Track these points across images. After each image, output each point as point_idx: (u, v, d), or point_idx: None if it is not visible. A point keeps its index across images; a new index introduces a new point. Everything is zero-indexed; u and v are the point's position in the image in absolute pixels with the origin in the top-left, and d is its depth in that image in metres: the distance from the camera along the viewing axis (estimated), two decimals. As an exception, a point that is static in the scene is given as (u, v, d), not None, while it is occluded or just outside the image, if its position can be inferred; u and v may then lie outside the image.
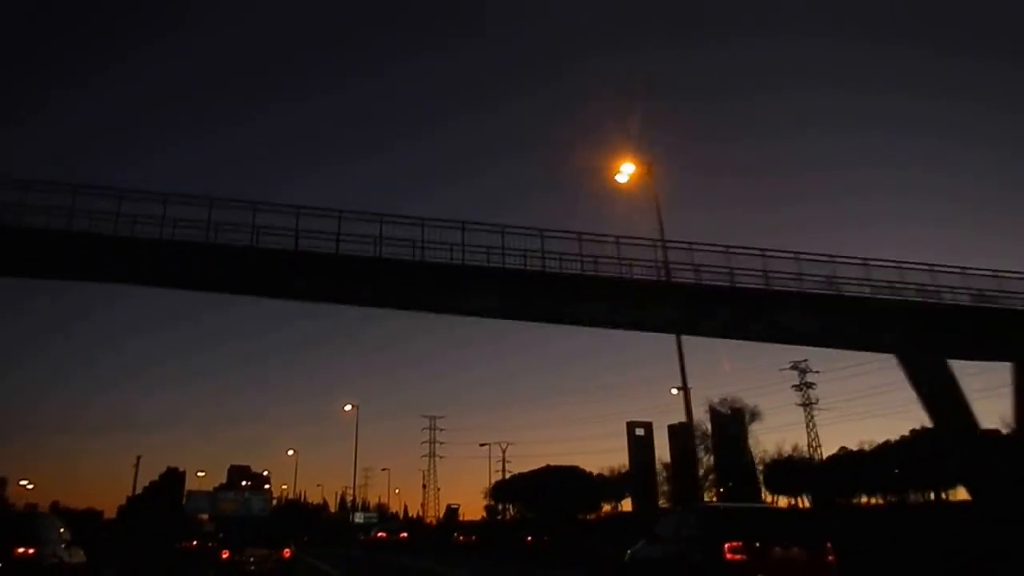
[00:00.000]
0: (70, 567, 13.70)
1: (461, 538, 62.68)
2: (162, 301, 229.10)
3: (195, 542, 48.83)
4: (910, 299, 29.68)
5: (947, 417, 28.34)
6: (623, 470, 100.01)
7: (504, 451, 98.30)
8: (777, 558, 11.35)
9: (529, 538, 49.25)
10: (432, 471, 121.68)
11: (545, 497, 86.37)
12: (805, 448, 78.63)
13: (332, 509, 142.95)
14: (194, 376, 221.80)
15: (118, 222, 26.72)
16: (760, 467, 76.27)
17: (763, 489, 72.42)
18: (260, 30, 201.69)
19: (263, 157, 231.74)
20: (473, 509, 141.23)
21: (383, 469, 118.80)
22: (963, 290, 30.28)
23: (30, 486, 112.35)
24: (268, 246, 26.84)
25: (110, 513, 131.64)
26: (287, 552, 20.62)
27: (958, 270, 30.86)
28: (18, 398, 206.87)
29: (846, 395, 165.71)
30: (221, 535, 29.96)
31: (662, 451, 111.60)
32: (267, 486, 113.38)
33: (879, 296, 29.59)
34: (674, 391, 56.36)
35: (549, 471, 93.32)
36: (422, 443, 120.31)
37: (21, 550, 11.52)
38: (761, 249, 29.73)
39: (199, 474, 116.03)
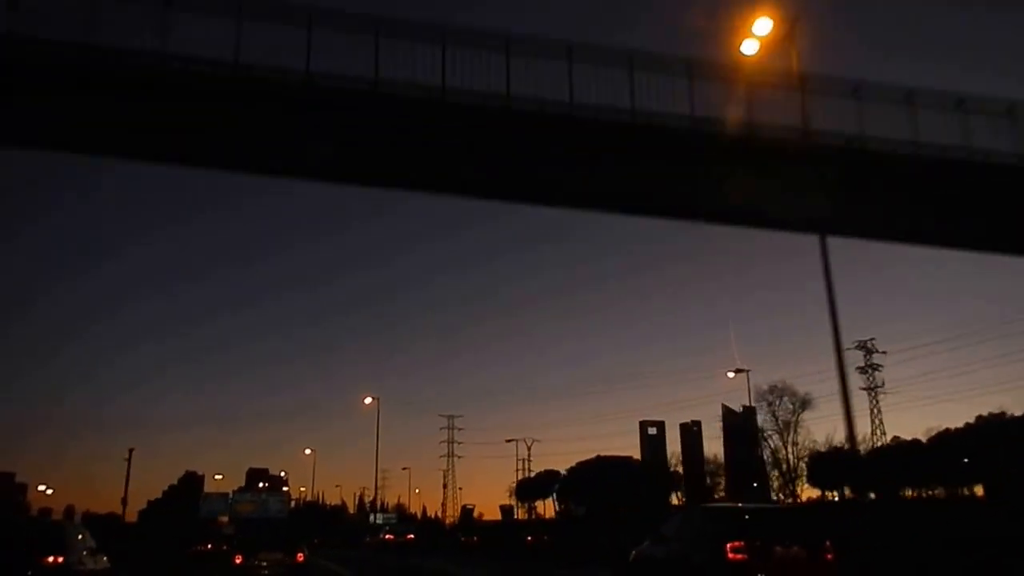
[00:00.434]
0: (95, 573, 14.35)
1: (463, 539, 64.59)
2: (180, 302, 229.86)
3: (209, 545, 49.65)
4: None
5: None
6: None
7: (529, 448, 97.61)
8: (778, 557, 11.74)
9: (529, 538, 50.48)
10: (451, 471, 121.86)
11: (596, 490, 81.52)
12: (867, 437, 74.53)
13: (351, 510, 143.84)
14: (211, 379, 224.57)
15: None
16: (804, 460, 71.83)
17: (803, 484, 68.62)
18: None
19: None
20: (496, 509, 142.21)
21: (404, 468, 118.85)
22: None
23: (49, 491, 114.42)
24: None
25: (131, 517, 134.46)
26: (300, 556, 20.85)
27: None
28: (34, 402, 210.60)
29: (913, 378, 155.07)
30: (235, 539, 30.14)
31: (675, 448, 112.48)
32: (285, 488, 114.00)
33: None
34: (731, 375, 54.83)
35: (601, 463, 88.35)
36: (440, 442, 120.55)
37: (51, 559, 12.19)
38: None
39: (216, 477, 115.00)
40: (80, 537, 14.47)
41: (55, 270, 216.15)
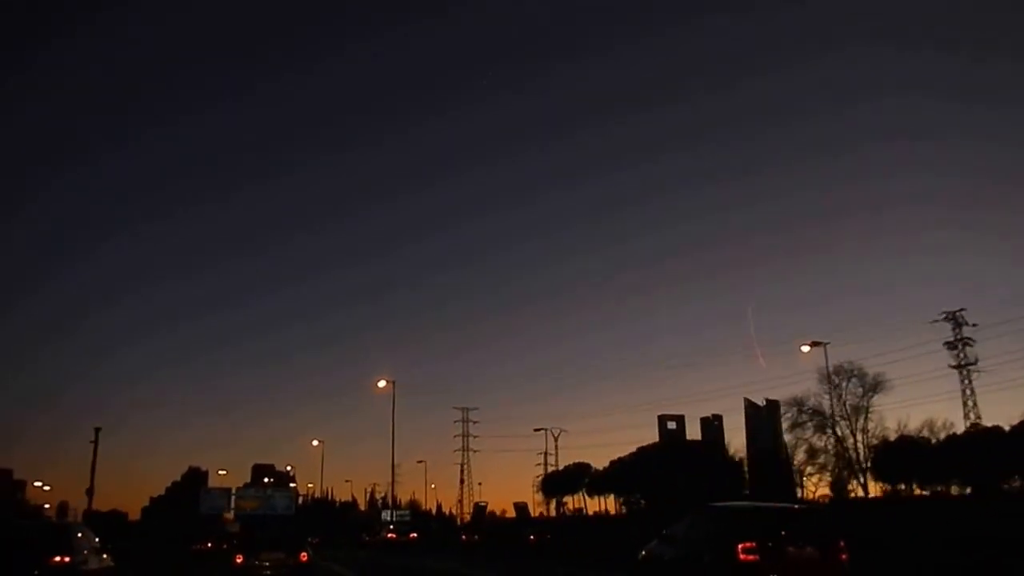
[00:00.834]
0: (99, 572, 14.67)
1: (464, 537, 65.38)
2: (182, 296, 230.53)
3: (208, 544, 49.85)
4: None
5: None
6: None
7: (556, 438, 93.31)
8: (790, 558, 11.70)
9: (532, 537, 50.95)
10: (466, 465, 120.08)
11: (658, 479, 72.48)
12: (947, 423, 64.39)
13: (362, 507, 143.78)
14: (216, 374, 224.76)
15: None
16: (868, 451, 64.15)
17: (864, 478, 61.09)
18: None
19: None
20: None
21: (419, 462, 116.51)
22: None
23: (46, 488, 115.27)
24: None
25: (134, 515, 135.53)
26: (304, 556, 20.56)
27: None
28: (33, 398, 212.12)
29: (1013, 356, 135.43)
30: (235, 539, 29.61)
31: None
32: (292, 484, 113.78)
33: None
34: (805, 348, 50.48)
35: (664, 449, 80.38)
36: (455, 436, 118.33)
37: (57, 559, 12.58)
38: None
39: (220, 472, 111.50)
40: (84, 537, 14.79)
41: (54, 263, 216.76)
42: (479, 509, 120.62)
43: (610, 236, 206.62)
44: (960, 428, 62.41)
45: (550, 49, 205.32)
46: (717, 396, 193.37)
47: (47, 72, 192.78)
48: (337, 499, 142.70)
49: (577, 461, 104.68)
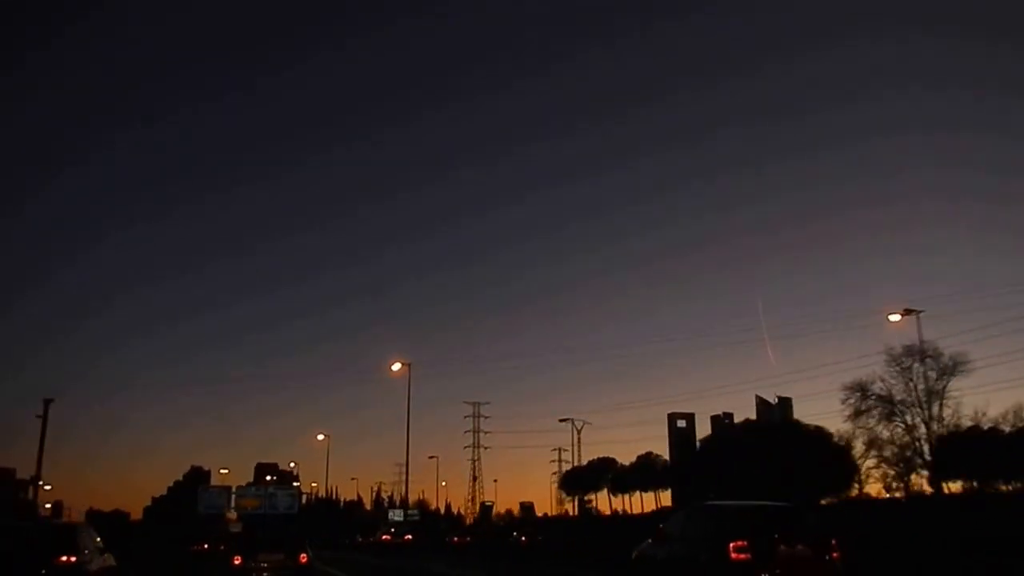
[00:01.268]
0: (101, 571, 15.24)
1: (456, 539, 66.22)
2: (183, 293, 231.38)
3: (205, 545, 50.15)
4: None
5: None
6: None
7: (579, 431, 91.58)
8: (782, 557, 12.05)
9: (523, 538, 51.56)
10: (477, 462, 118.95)
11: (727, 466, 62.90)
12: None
13: (367, 506, 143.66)
14: (220, 374, 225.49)
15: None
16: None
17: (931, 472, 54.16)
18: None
19: None
20: (539, 504, 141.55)
21: (431, 457, 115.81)
22: None
23: (47, 487, 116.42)
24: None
25: (137, 515, 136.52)
26: (304, 558, 20.49)
27: None
28: (32, 398, 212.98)
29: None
30: (234, 539, 29.43)
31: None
32: (296, 483, 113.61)
33: None
34: (894, 317, 45.72)
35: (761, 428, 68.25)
36: (464, 432, 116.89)
37: (63, 559, 13.17)
38: None
39: (222, 471, 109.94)
40: (88, 537, 15.38)
41: (54, 262, 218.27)
42: (485, 509, 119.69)
43: (615, 233, 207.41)
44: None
45: (550, 49, 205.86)
46: (725, 394, 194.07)
47: (47, 72, 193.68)
48: (342, 498, 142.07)
49: (601, 456, 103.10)
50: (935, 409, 52.15)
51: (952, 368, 50.74)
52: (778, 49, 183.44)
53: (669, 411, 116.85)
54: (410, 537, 62.60)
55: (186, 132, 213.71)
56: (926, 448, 51.65)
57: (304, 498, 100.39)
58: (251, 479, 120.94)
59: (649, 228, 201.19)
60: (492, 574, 29.50)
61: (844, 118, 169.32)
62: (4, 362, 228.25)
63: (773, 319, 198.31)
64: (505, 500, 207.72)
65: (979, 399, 62.40)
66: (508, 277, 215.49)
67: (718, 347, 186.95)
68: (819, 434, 62.95)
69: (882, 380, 53.14)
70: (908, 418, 53.15)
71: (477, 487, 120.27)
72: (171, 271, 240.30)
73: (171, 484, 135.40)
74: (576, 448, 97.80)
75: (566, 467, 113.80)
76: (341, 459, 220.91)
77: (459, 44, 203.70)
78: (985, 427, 53.50)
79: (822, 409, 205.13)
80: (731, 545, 12.02)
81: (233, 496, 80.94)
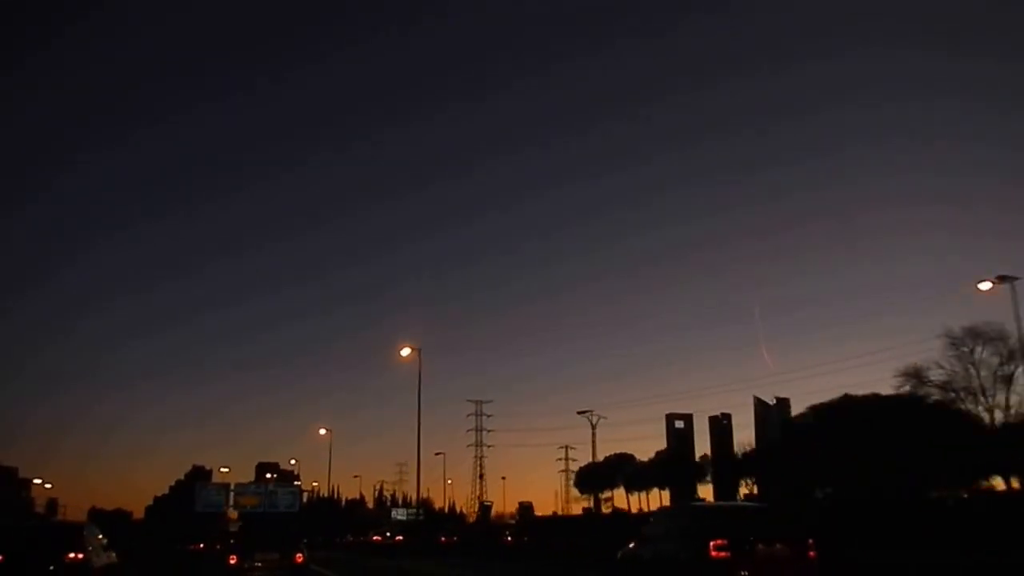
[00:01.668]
0: (104, 569, 15.97)
1: (443, 539, 67.46)
2: (184, 293, 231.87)
3: (202, 544, 50.71)
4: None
5: None
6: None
7: (594, 426, 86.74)
8: (761, 555, 12.64)
9: (509, 538, 52.31)
10: (480, 460, 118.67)
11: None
12: None
13: (369, 505, 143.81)
14: (221, 373, 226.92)
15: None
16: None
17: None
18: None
19: None
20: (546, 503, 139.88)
21: (437, 453, 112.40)
22: None
23: (48, 485, 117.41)
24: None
25: (139, 514, 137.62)
26: (300, 558, 20.66)
27: None
28: (32, 397, 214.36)
29: None
30: (231, 539, 29.39)
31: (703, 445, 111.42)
32: (297, 483, 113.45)
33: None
34: (985, 285, 38.89)
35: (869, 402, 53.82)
36: (467, 431, 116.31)
37: (72, 556, 13.91)
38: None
39: (223, 470, 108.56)
40: (92, 535, 16.09)
41: (55, 261, 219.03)
42: (485, 508, 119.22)
43: (615, 233, 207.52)
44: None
45: (550, 49, 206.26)
46: (721, 394, 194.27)
47: (47, 72, 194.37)
48: (344, 497, 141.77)
49: (618, 452, 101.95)
50: (1000, 396, 47.09)
51: (1021, 352, 42.88)
52: (778, 50, 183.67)
53: (667, 412, 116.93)
54: (401, 538, 63.28)
55: (186, 132, 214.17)
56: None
57: (305, 496, 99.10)
58: (252, 478, 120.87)
59: (650, 228, 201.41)
60: (477, 572, 30.12)
61: (844, 118, 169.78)
62: (4, 362, 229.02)
63: (773, 319, 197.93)
64: (514, 498, 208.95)
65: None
66: (508, 277, 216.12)
67: (717, 348, 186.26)
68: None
69: (940, 366, 48.08)
70: (970, 406, 48.04)
71: (483, 485, 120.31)
72: (172, 271, 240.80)
73: (172, 483, 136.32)
74: (593, 443, 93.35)
75: (573, 465, 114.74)
76: (343, 458, 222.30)
77: (459, 44, 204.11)
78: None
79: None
80: (711, 544, 12.59)
81: (232, 494, 79.20)
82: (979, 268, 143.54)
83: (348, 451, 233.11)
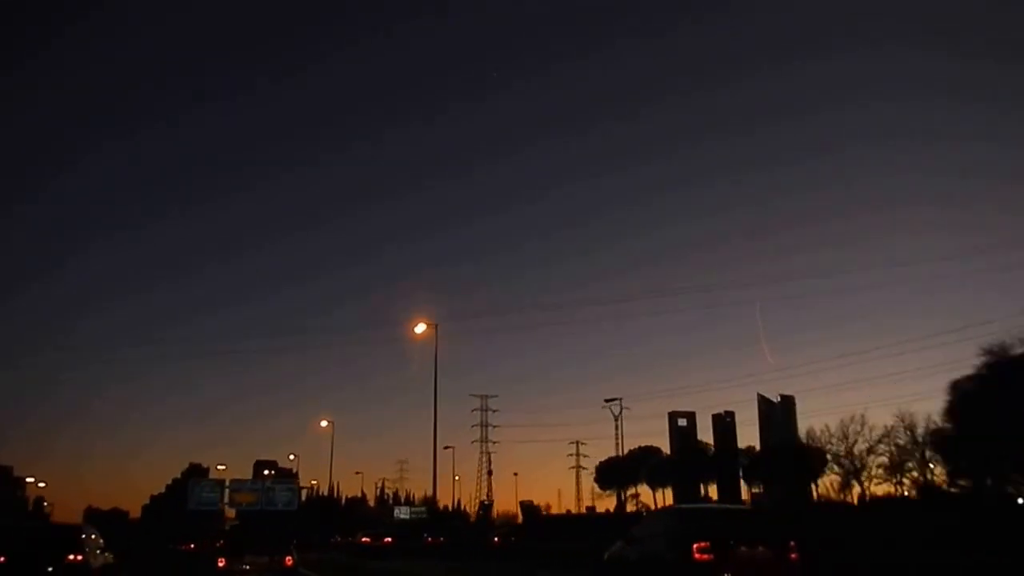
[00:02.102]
0: (101, 569, 16.53)
1: (429, 540, 68.08)
2: (184, 292, 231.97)
3: (192, 544, 50.95)
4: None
5: None
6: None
7: (617, 417, 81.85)
8: (743, 557, 13.14)
9: (496, 539, 52.89)
10: (485, 456, 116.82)
11: None
12: None
13: (371, 503, 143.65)
14: (222, 372, 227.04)
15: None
16: None
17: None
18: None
19: None
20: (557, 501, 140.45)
21: (446, 447, 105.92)
22: None
23: (41, 484, 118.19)
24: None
25: (136, 513, 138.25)
26: (289, 560, 20.59)
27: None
28: (32, 395, 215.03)
29: None
30: (221, 540, 28.77)
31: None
32: (296, 480, 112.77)
33: None
34: None
35: None
36: (472, 426, 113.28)
37: (71, 557, 14.50)
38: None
39: (219, 467, 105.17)
40: (90, 536, 16.65)
41: (54, 260, 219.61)
42: (485, 507, 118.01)
43: (615, 233, 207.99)
44: None
45: (550, 49, 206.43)
46: (724, 392, 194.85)
47: (47, 72, 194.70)
48: (344, 495, 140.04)
49: (643, 445, 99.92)
50: None
51: None
52: (778, 50, 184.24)
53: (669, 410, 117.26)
54: (390, 540, 63.63)
55: (186, 132, 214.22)
56: None
57: (304, 494, 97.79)
58: (250, 476, 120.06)
59: (650, 228, 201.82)
60: (449, 571, 30.65)
61: (844, 118, 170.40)
62: (3, 361, 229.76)
63: (773, 319, 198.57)
64: (528, 495, 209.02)
65: None
66: (509, 276, 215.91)
67: (719, 347, 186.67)
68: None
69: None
70: None
71: (491, 482, 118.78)
72: (171, 270, 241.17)
73: (169, 482, 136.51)
74: (621, 434, 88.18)
75: (585, 462, 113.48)
76: (343, 457, 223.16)
77: (459, 44, 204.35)
78: None
79: (822, 405, 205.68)
80: (695, 546, 13.07)
81: (227, 491, 77.24)
82: (979, 268, 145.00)
83: (348, 450, 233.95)
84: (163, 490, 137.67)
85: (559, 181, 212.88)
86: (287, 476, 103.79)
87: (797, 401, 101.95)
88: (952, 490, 45.99)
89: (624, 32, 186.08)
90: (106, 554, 17.72)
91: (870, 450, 67.80)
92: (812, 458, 73.25)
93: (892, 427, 64.97)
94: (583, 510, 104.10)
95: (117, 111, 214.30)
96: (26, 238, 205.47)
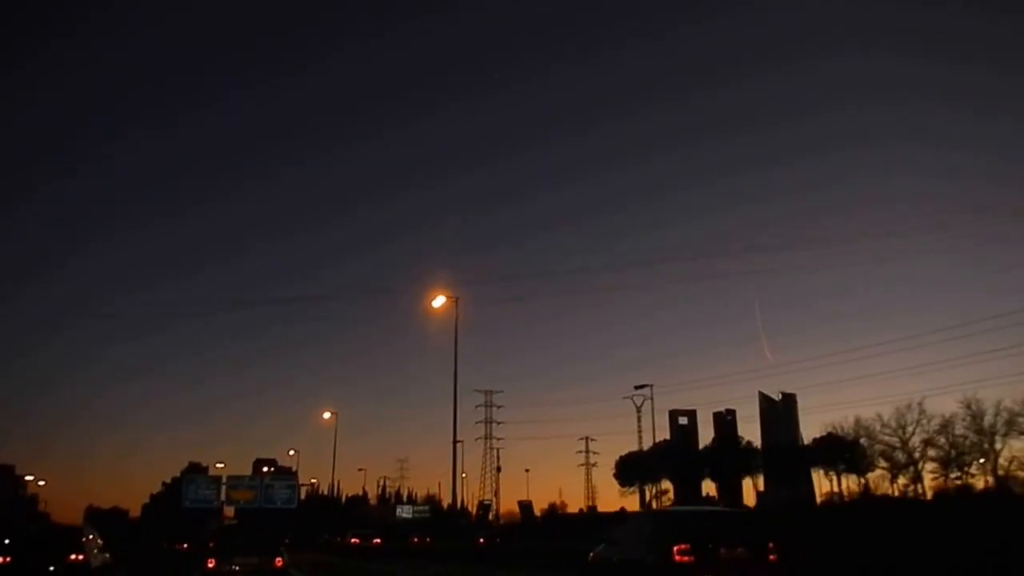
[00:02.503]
0: (100, 569, 17.22)
1: (415, 540, 69.02)
2: (183, 292, 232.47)
3: (185, 544, 51.36)
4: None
5: None
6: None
7: (639, 408, 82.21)
8: (723, 559, 13.58)
9: (481, 540, 53.55)
10: (487, 454, 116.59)
11: None
12: None
13: (372, 501, 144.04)
14: (222, 372, 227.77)
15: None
16: None
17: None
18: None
19: None
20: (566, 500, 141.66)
21: (457, 442, 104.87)
22: None
23: (41, 482, 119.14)
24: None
25: (136, 512, 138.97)
26: (279, 562, 20.59)
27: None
28: (32, 395, 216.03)
29: None
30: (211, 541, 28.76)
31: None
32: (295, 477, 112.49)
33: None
34: None
35: None
36: (476, 422, 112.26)
37: (73, 557, 15.19)
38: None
39: (218, 465, 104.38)
40: (90, 537, 17.33)
41: (54, 260, 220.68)
42: (484, 507, 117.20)
43: (615, 233, 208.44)
44: None
45: (550, 49, 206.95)
46: (724, 390, 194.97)
47: (47, 72, 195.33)
48: (344, 493, 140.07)
49: (665, 439, 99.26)
50: None
51: None
52: (778, 50, 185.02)
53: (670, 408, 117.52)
54: (378, 541, 64.07)
55: (186, 132, 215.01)
56: None
57: (303, 492, 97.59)
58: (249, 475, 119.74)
59: (650, 228, 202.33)
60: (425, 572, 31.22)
61: (844, 118, 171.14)
62: (3, 360, 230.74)
63: (774, 319, 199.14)
64: (542, 494, 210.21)
65: None
66: (509, 276, 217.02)
67: (719, 344, 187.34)
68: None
69: None
70: None
71: (499, 480, 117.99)
72: (171, 270, 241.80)
73: (168, 480, 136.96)
74: (642, 426, 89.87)
75: (596, 458, 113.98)
76: (343, 455, 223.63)
77: (459, 44, 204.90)
78: None
79: (825, 402, 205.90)
80: (675, 548, 13.52)
81: (224, 488, 76.39)
82: (979, 268, 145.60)
83: (349, 449, 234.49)
84: (161, 489, 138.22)
85: (559, 181, 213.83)
86: (286, 473, 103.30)
87: (799, 399, 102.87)
88: None
89: (624, 32, 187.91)
90: (105, 554, 18.39)
91: (928, 442, 65.19)
92: (854, 450, 71.35)
93: (951, 416, 62.63)
94: (593, 508, 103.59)
95: (117, 111, 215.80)
96: (26, 238, 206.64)
